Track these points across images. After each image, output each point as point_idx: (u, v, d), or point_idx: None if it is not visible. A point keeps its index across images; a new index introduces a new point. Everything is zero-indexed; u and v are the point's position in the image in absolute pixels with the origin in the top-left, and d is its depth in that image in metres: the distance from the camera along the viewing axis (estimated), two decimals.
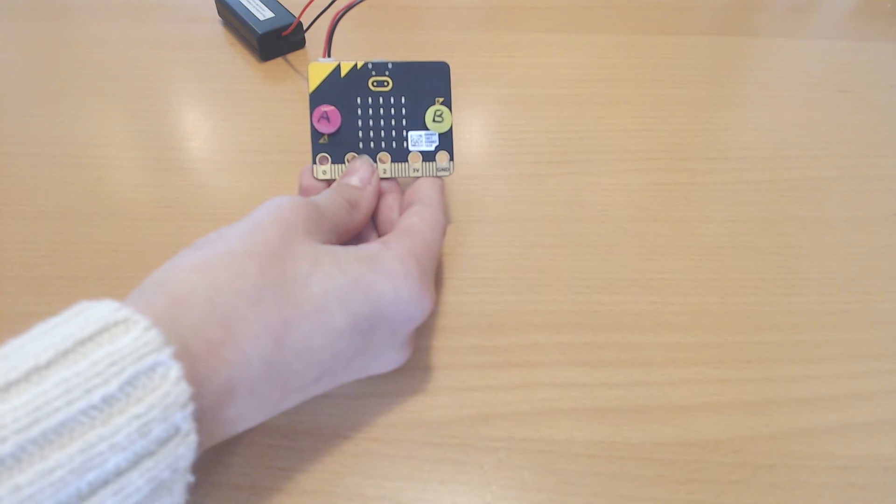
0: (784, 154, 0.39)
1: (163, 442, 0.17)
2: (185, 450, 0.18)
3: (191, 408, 0.18)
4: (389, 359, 0.25)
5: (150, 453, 0.17)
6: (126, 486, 0.16)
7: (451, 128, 0.30)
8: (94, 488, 0.16)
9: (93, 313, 0.18)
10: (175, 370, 0.17)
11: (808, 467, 0.26)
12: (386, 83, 0.29)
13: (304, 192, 0.29)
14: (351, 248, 0.24)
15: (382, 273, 0.23)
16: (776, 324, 0.31)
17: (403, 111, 0.29)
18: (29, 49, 0.45)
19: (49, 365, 0.16)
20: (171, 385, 0.17)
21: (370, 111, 0.29)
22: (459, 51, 0.46)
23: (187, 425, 0.18)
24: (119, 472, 0.16)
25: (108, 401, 0.16)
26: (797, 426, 0.27)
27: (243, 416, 0.21)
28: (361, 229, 0.28)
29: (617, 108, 0.42)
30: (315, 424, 0.27)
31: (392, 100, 0.29)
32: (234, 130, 0.40)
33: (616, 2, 0.51)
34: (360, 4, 0.34)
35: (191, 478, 0.18)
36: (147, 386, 0.17)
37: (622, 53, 0.46)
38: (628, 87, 0.44)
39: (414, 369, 0.28)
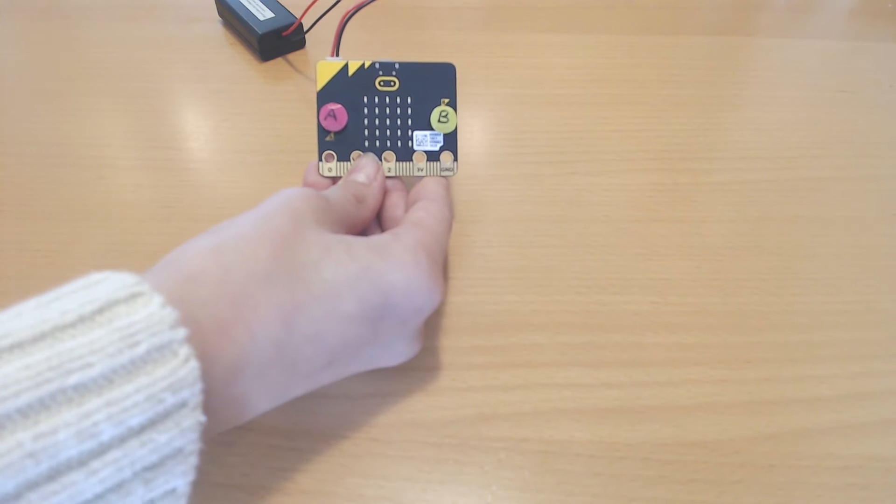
0: (784, 154, 0.39)
1: (170, 411, 0.18)
2: (190, 421, 0.18)
3: (199, 386, 0.18)
4: (399, 350, 0.26)
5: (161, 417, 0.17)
6: (145, 443, 0.17)
7: (455, 128, 0.30)
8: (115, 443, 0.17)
9: (111, 284, 0.18)
10: (185, 349, 0.18)
11: (808, 467, 0.26)
12: (392, 83, 0.29)
13: (309, 188, 0.30)
14: (361, 238, 0.24)
15: (393, 262, 0.23)
16: (776, 324, 0.31)
17: (409, 111, 0.30)
18: (29, 49, 0.45)
19: (74, 324, 0.17)
20: (180, 362, 0.18)
21: (376, 110, 0.29)
22: (459, 51, 0.46)
23: (195, 399, 0.18)
24: (137, 430, 0.17)
25: (130, 363, 0.17)
26: (797, 426, 0.27)
27: (249, 397, 0.21)
28: (367, 224, 0.28)
29: (617, 108, 0.42)
30: (315, 424, 0.27)
31: (398, 99, 0.29)
32: (234, 130, 0.40)
33: (616, 2, 0.51)
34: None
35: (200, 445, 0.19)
36: (158, 361, 0.17)
37: (622, 53, 0.46)
38: (628, 87, 0.44)
39: (414, 369, 0.28)
